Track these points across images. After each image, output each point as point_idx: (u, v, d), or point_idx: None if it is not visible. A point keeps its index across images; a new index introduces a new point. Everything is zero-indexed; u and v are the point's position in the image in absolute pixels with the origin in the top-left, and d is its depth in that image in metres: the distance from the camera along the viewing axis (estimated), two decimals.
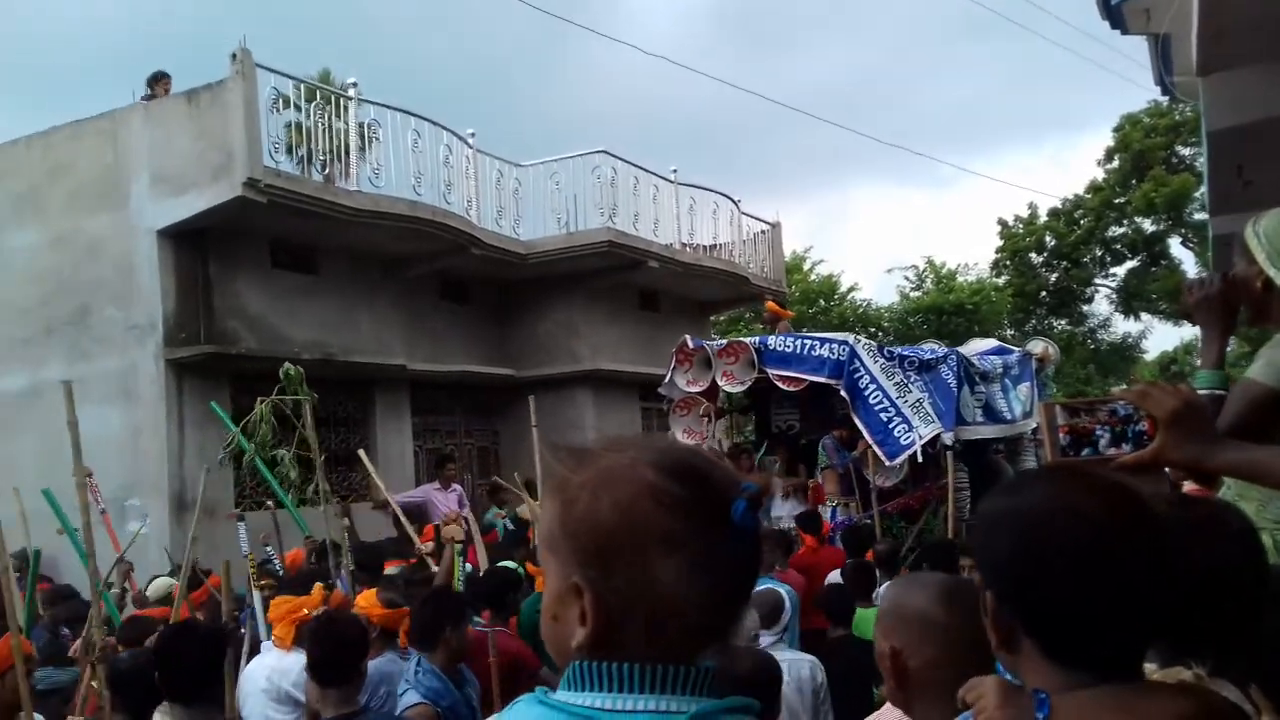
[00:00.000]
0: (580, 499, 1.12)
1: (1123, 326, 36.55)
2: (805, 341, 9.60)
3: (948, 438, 8.85)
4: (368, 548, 7.86)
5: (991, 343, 11.79)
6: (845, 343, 9.33)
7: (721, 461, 1.17)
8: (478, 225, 12.49)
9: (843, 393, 9.08)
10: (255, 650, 4.78)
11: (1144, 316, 35.28)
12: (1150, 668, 1.51)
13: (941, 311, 31.96)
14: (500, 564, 6.89)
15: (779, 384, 9.60)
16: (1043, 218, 35.35)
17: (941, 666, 1.84)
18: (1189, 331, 35.19)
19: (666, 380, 10.40)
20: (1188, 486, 2.38)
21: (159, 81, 10.81)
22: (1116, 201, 33.38)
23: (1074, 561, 1.23)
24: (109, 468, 9.80)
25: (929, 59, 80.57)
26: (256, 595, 5.28)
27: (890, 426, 8.86)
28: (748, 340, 10.04)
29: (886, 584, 4.58)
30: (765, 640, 4.46)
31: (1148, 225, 33.60)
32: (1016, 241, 35.43)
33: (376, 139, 11.59)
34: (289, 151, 10.70)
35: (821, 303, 32.30)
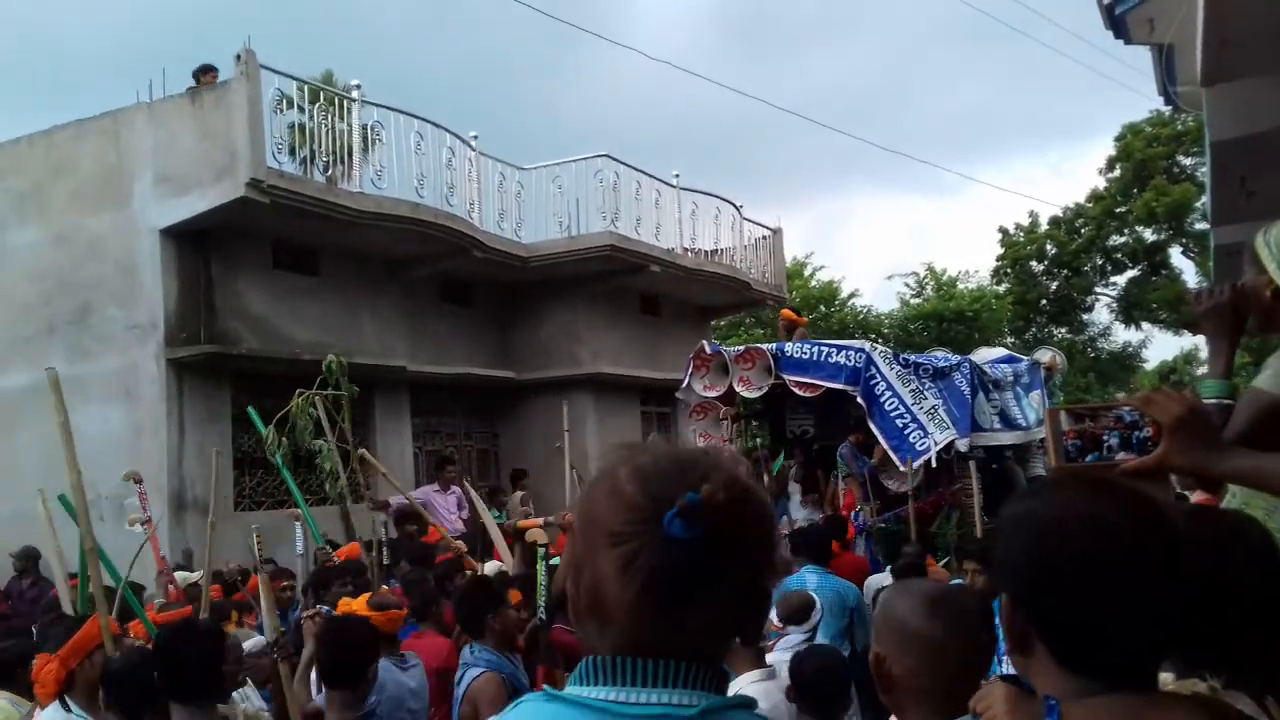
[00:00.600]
0: (584, 488, 1.23)
1: (1123, 335, 36.60)
2: (822, 348, 9.70)
3: (962, 444, 9.05)
4: (420, 546, 8.12)
5: (1001, 351, 11.98)
6: (862, 350, 9.47)
7: (727, 468, 1.16)
8: (480, 228, 12.50)
9: (859, 399, 9.23)
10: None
11: (1144, 326, 35.31)
12: (1166, 678, 1.51)
13: (942, 318, 31.95)
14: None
15: (795, 390, 9.68)
16: (1044, 226, 35.39)
17: (923, 675, 1.85)
18: (1189, 341, 35.25)
19: (684, 385, 10.52)
20: (1197, 496, 2.37)
21: (206, 74, 10.69)
22: (1118, 210, 33.40)
23: (1088, 568, 1.23)
24: (109, 466, 9.78)
25: (932, 66, 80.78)
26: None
27: (905, 432, 9.03)
28: (765, 346, 10.15)
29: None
30: (795, 638, 4.48)
31: (1149, 235, 33.62)
32: (1017, 250, 35.45)
33: (379, 141, 11.59)
34: (291, 153, 10.68)
35: (822, 309, 32.28)
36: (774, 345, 10.14)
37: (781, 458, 10.99)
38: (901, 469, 8.88)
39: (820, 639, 4.96)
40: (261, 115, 9.66)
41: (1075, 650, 1.26)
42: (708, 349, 10.44)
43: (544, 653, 4.69)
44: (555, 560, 5.04)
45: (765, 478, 9.37)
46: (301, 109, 10.92)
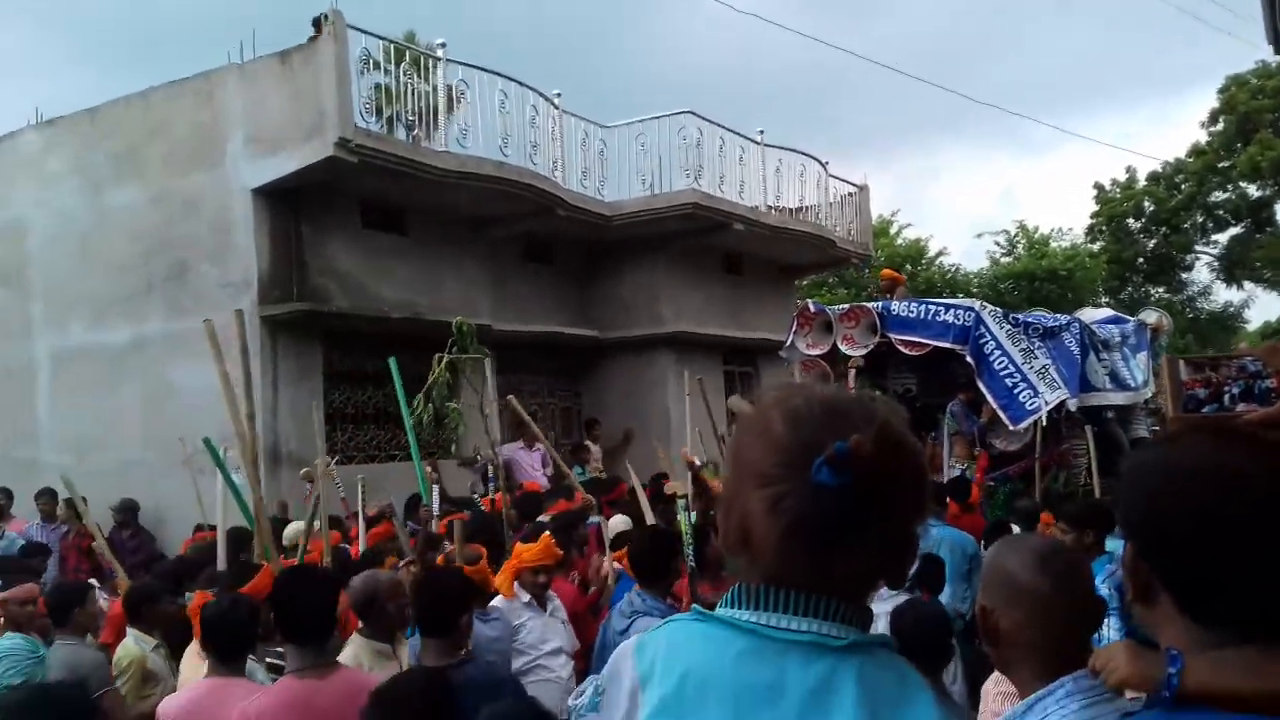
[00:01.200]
0: (738, 424, 1.27)
1: (1224, 295, 35.37)
2: (929, 307, 9.73)
3: (1073, 404, 9.04)
4: (527, 496, 8.38)
5: (1106, 312, 11.85)
6: (971, 308, 9.45)
7: (880, 417, 1.18)
8: (563, 186, 12.51)
9: (968, 358, 9.21)
10: None
11: (1247, 285, 34.09)
12: None
13: (1034, 278, 31.22)
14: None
15: (901, 349, 9.67)
16: (1142, 182, 34.24)
17: (1031, 629, 1.83)
18: None
19: (787, 344, 10.56)
20: None
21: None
22: (1220, 166, 32.19)
23: (1214, 517, 1.20)
24: (206, 421, 10.09)
25: (1024, 16, 78.20)
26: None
27: (1015, 391, 9.00)
28: (870, 305, 10.14)
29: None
30: (885, 592, 4.51)
31: (1253, 190, 32.34)
32: (1113, 206, 34.38)
33: (463, 100, 11.63)
34: (378, 113, 10.79)
35: (908, 267, 31.74)
36: (879, 304, 10.13)
37: None
38: (1011, 428, 8.91)
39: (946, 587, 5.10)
40: (349, 75, 9.77)
41: (1200, 601, 1.23)
42: (811, 308, 10.48)
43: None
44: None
45: None
46: (387, 70, 11.01)
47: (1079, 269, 31.67)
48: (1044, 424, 8.95)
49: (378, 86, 10.93)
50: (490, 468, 10.15)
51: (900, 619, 3.68)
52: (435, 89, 11.12)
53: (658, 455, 8.45)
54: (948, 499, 7.35)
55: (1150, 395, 10.89)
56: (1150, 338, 11.33)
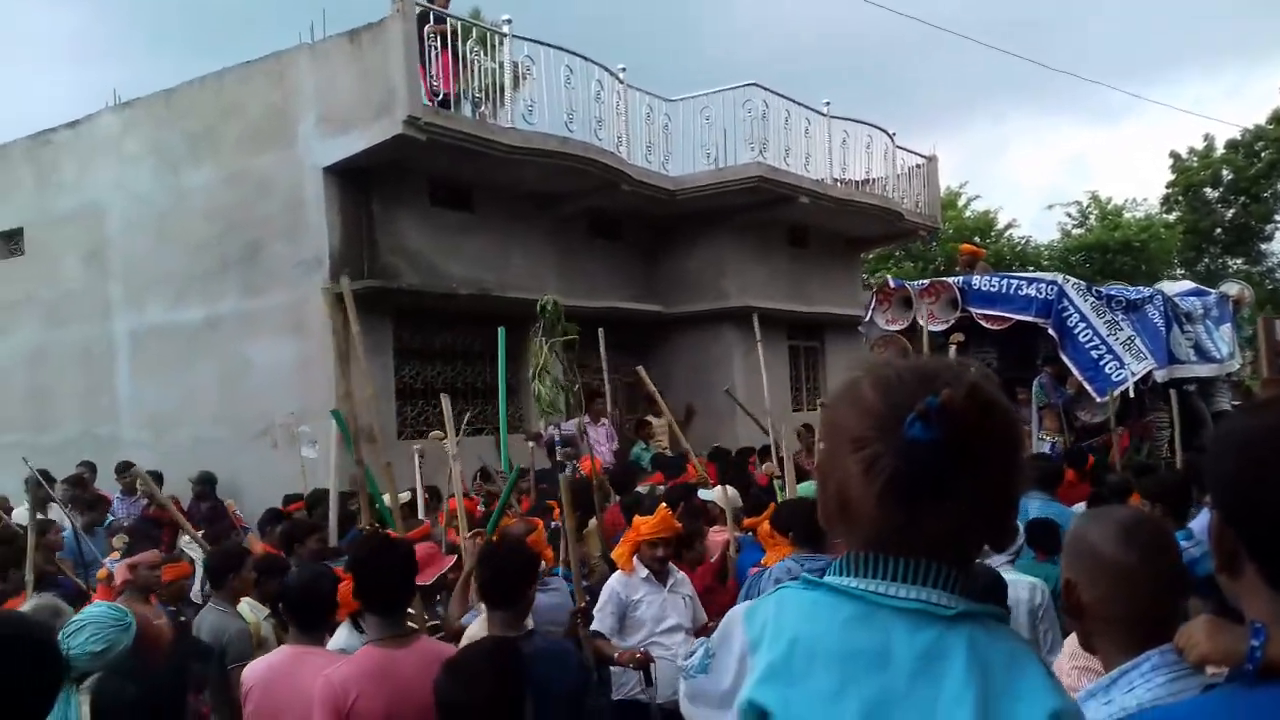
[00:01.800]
0: (829, 399, 1.29)
1: None
2: (1011, 281, 9.81)
3: (1160, 375, 9.09)
4: (624, 467, 8.82)
5: (1187, 285, 11.80)
6: (1054, 282, 9.51)
7: (970, 378, 1.18)
8: (627, 161, 12.49)
9: (1051, 331, 9.28)
10: None
11: None
12: None
13: (1106, 249, 30.56)
14: None
15: (983, 323, 9.70)
16: (1220, 150, 33.20)
17: (1115, 602, 1.81)
18: None
19: (866, 319, 10.64)
20: None
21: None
22: None
23: None
24: (281, 397, 10.32)
25: None
26: None
27: (1101, 363, 9.09)
28: (950, 280, 10.22)
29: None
30: (996, 561, 4.48)
31: None
32: (1190, 175, 33.38)
33: (529, 76, 11.65)
34: (441, 94, 10.83)
35: (976, 240, 31.26)
36: (960, 279, 10.16)
37: None
38: (1098, 400, 8.95)
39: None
40: (417, 53, 9.83)
41: None
42: (891, 283, 10.55)
43: None
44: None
45: None
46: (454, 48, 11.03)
47: (1153, 240, 30.92)
48: (1131, 395, 8.97)
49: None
50: (559, 440, 10.28)
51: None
52: (501, 65, 11.15)
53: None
54: (1065, 471, 7.35)
55: (1236, 368, 10.89)
56: (1233, 310, 11.22)
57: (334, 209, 10.33)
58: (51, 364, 12.48)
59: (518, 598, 3.67)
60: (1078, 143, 64.95)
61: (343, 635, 4.06)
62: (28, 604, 3.94)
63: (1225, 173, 33.00)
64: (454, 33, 10.60)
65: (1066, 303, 9.28)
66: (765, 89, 13.72)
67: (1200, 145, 33.59)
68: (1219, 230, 33.86)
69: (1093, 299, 9.41)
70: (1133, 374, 8.97)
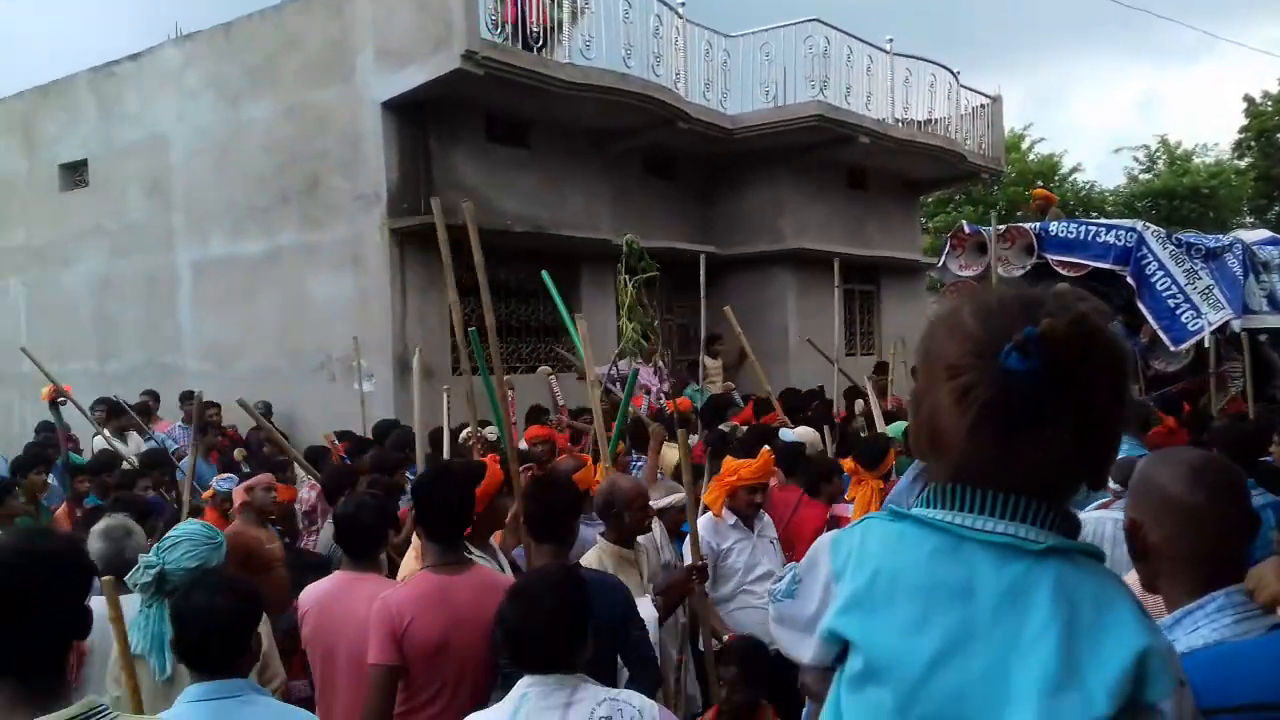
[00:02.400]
0: (927, 325, 1.26)
1: None
2: (1090, 227, 9.81)
3: (1237, 324, 9.07)
4: (715, 399, 9.16)
5: (1264, 233, 11.68)
6: (1133, 229, 9.48)
7: (1075, 307, 1.14)
8: (685, 99, 12.34)
9: (1128, 279, 9.26)
10: None
11: None
12: None
13: (1174, 195, 29.75)
14: None
15: (1059, 270, 9.66)
16: None
17: (1181, 543, 1.78)
18: None
19: (939, 264, 10.70)
20: None
21: None
22: None
23: None
24: (339, 330, 10.45)
25: None
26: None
27: (1178, 312, 9.10)
28: (1027, 225, 10.18)
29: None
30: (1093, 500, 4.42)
31: None
32: (1264, 120, 32.22)
33: (588, 9, 11.52)
34: (500, 26, 10.75)
35: (1040, 184, 30.59)
36: (1037, 225, 10.12)
37: None
38: (1172, 349, 9.02)
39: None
40: None
41: None
42: (966, 228, 10.49)
43: None
44: None
45: None
46: None
47: (1223, 187, 30.06)
48: (1206, 345, 8.96)
49: None
50: (614, 378, 10.33)
51: None
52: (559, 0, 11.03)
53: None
54: (1159, 415, 7.31)
55: None
56: None
57: (391, 144, 10.34)
58: (116, 294, 12.74)
59: (564, 532, 3.74)
60: (1148, 84, 63.09)
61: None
62: (101, 523, 4.08)
63: None
64: None
65: (1146, 250, 9.24)
66: (827, 25, 13.45)
67: (1276, 89, 32.44)
68: None
69: (1172, 246, 9.34)
70: (1209, 324, 8.92)
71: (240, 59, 11.51)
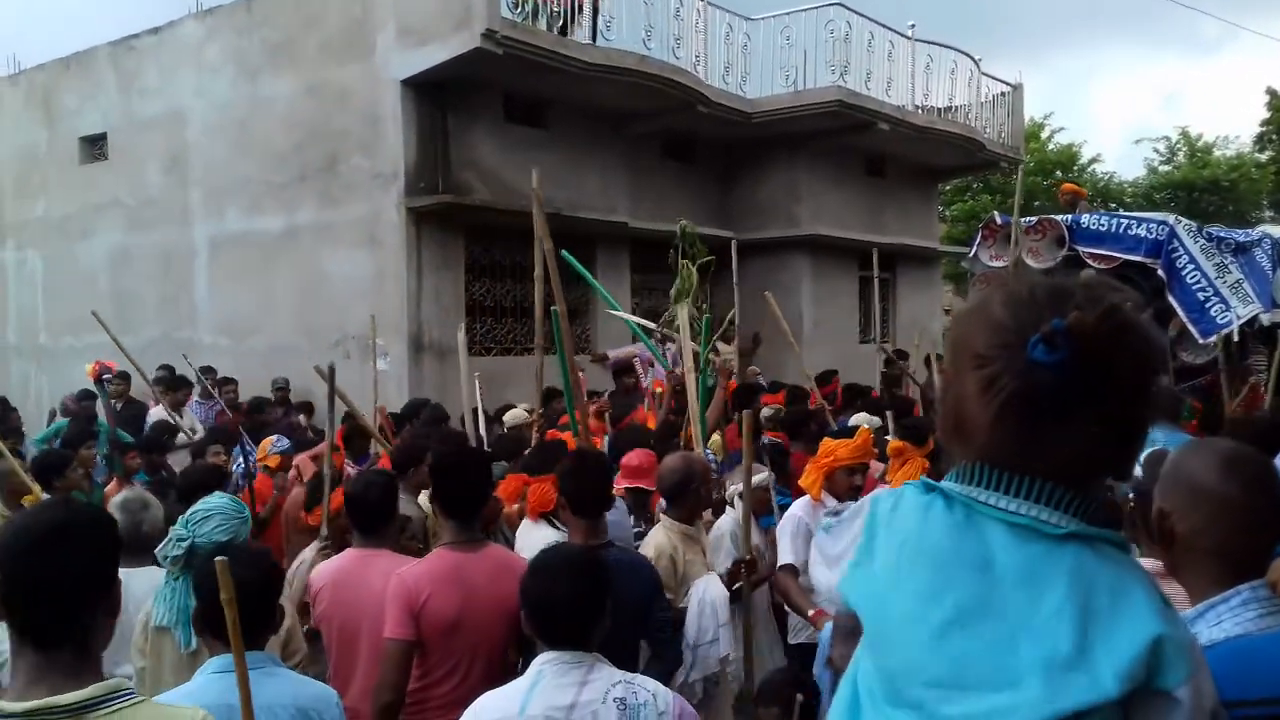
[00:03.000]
0: (956, 314, 1.27)
1: None
2: (1121, 220, 9.85)
3: (1266, 317, 9.23)
4: (745, 387, 8.90)
5: None
6: (1164, 222, 9.55)
7: (1107, 299, 1.15)
8: (705, 82, 12.29)
9: (1160, 272, 9.33)
10: None
11: None
12: None
13: (1193, 188, 29.56)
14: None
15: (1090, 262, 9.70)
16: None
17: (1209, 534, 1.77)
18: None
19: (970, 255, 10.74)
20: None
21: None
22: None
23: None
24: (356, 308, 10.48)
25: None
26: None
27: (1207, 306, 9.17)
28: (1058, 218, 10.24)
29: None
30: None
31: None
32: None
33: None
34: (520, 6, 10.72)
35: (1059, 174, 30.41)
36: (1068, 217, 10.19)
37: None
38: (1200, 341, 9.07)
39: None
40: None
41: None
42: (998, 219, 10.54)
43: None
44: None
45: None
46: None
47: (1244, 180, 29.83)
48: (1235, 338, 9.03)
49: None
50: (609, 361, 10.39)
51: None
52: None
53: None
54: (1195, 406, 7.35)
55: None
56: None
57: (410, 123, 10.34)
58: (134, 268, 12.79)
59: (599, 510, 3.78)
60: (1170, 75, 62.59)
61: (541, 533, 4.29)
62: (119, 495, 4.11)
63: None
64: None
65: (1177, 243, 9.31)
66: (849, 9, 13.36)
67: None
68: None
69: (1203, 240, 9.42)
70: (1238, 317, 9.02)
71: (260, 35, 11.51)
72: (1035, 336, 1.10)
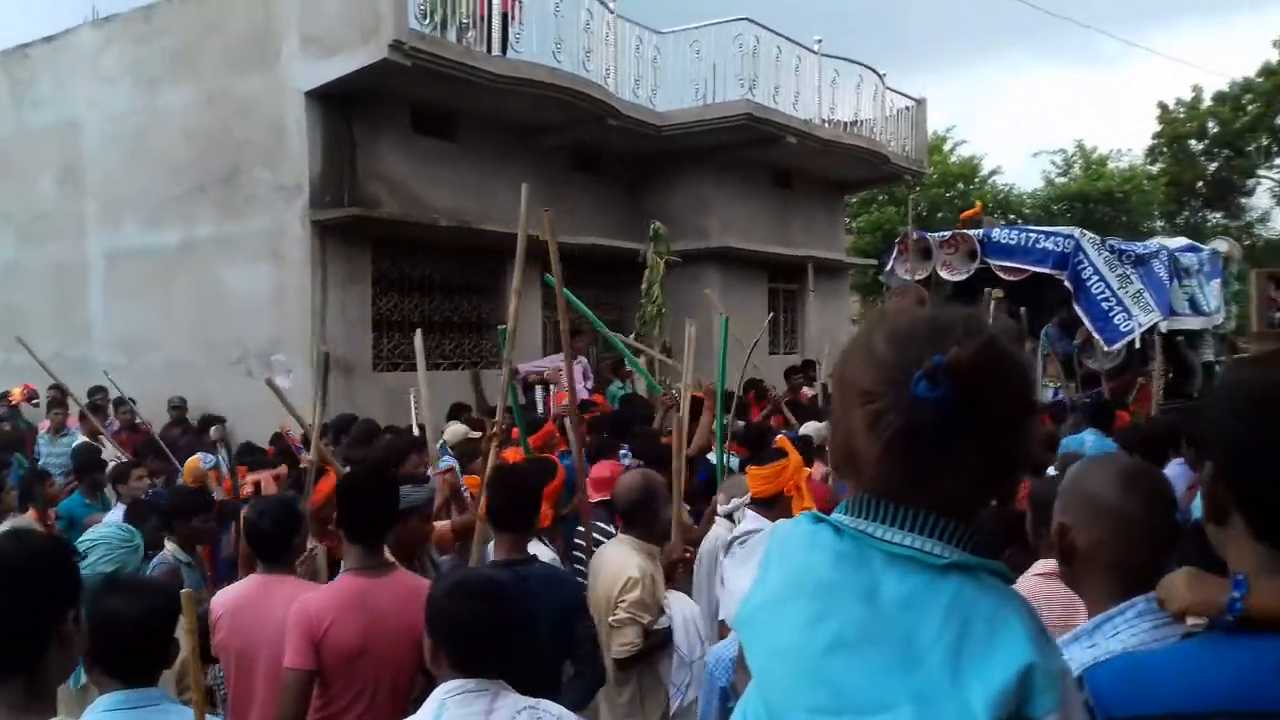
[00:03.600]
0: (842, 350, 1.28)
1: None
2: (1029, 234, 10.38)
3: (1164, 325, 9.80)
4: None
5: (1183, 240, 12.48)
6: (1071, 236, 10.05)
7: (985, 333, 1.17)
8: (615, 95, 12.32)
9: (1066, 283, 9.81)
10: None
11: None
12: None
13: (1088, 199, 30.61)
14: None
15: (1001, 274, 10.16)
16: (1207, 102, 33.09)
17: (1109, 548, 1.80)
18: None
19: (887, 269, 11.13)
20: None
21: None
22: None
23: None
24: (257, 324, 10.25)
25: None
26: None
27: (1111, 315, 9.66)
28: (971, 232, 10.66)
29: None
30: None
31: None
32: (1176, 127, 33.28)
33: (518, 3, 11.44)
34: (429, 16, 10.61)
35: (960, 186, 31.20)
36: (980, 231, 10.65)
37: None
38: (1105, 349, 9.59)
39: None
40: None
41: (1274, 523, 1.23)
42: (913, 234, 10.92)
43: None
44: None
45: None
46: None
47: (1136, 192, 30.98)
48: (1137, 345, 9.55)
49: None
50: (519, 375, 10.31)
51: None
52: None
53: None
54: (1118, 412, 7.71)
55: (1221, 321, 11.64)
56: (1222, 266, 11.92)
57: (315, 134, 10.16)
58: (25, 282, 12.32)
59: (526, 523, 3.74)
60: (1068, 90, 64.64)
61: (533, 547, 4.22)
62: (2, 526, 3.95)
63: (1211, 125, 32.93)
64: None
65: (1082, 256, 9.78)
66: (757, 24, 13.53)
67: (1189, 96, 33.50)
68: (1200, 184, 33.89)
69: (1106, 253, 9.92)
70: (1139, 325, 9.53)
71: (160, 43, 11.21)
72: (918, 373, 1.12)
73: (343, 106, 10.33)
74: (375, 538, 3.46)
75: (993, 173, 32.67)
